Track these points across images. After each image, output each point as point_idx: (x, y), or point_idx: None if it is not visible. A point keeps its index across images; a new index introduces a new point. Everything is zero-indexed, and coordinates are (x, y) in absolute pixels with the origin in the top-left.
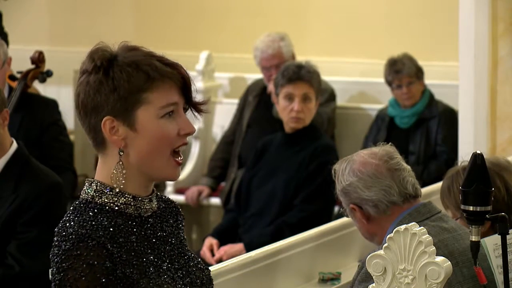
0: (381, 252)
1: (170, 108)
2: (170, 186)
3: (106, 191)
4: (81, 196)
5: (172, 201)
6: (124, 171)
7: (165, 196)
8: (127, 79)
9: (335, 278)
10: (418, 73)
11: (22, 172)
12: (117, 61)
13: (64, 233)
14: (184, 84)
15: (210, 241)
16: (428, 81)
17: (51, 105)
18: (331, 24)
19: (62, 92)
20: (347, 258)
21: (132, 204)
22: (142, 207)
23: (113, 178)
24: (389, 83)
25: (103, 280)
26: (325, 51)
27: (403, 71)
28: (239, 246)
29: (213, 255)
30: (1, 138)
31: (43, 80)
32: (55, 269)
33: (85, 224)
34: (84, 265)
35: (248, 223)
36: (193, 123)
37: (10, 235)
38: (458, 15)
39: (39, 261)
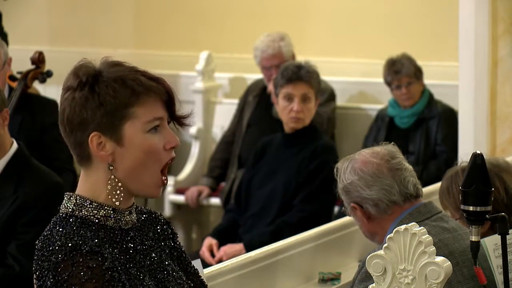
0: (381, 252)
1: (156, 123)
2: (170, 186)
3: (85, 204)
4: (60, 211)
5: (154, 213)
6: (119, 184)
7: (146, 209)
8: (113, 95)
9: (335, 278)
10: (417, 73)
11: (23, 172)
12: (102, 76)
13: (50, 248)
14: (168, 98)
15: (210, 241)
16: (428, 81)
17: (51, 106)
18: (331, 24)
19: None
20: (347, 258)
21: (112, 216)
22: (122, 219)
23: (109, 193)
24: (388, 83)
25: (107, 277)
26: (325, 51)
27: (402, 71)
28: (239, 246)
29: (212, 255)
30: (1, 139)
31: (43, 81)
32: (53, 283)
33: (71, 236)
34: (85, 269)
35: (248, 223)
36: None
37: (10, 236)
38: (458, 15)
39: None
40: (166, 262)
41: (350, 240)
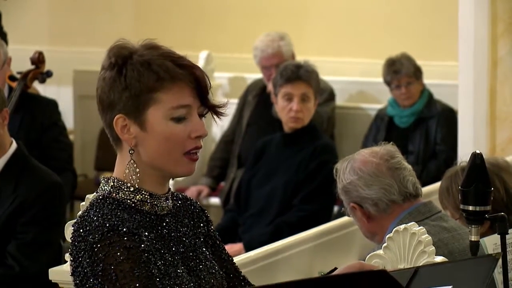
0: (381, 251)
1: (182, 111)
2: (169, 186)
3: (123, 188)
4: (97, 193)
5: (189, 199)
6: (137, 170)
7: (182, 194)
8: (138, 78)
9: None
10: (417, 73)
11: (22, 172)
12: (132, 59)
13: (87, 228)
14: (198, 85)
15: None
16: (427, 80)
17: (51, 106)
18: (331, 24)
19: (62, 92)
20: (347, 258)
21: (148, 201)
22: (159, 204)
23: (127, 176)
24: (388, 83)
25: (144, 259)
26: (325, 51)
27: (401, 71)
28: (239, 246)
29: None
30: (0, 138)
31: (43, 81)
32: (89, 263)
33: (109, 217)
34: (121, 249)
35: (248, 223)
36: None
37: (10, 235)
38: (458, 15)
39: (39, 261)
40: (200, 250)
41: (350, 240)
